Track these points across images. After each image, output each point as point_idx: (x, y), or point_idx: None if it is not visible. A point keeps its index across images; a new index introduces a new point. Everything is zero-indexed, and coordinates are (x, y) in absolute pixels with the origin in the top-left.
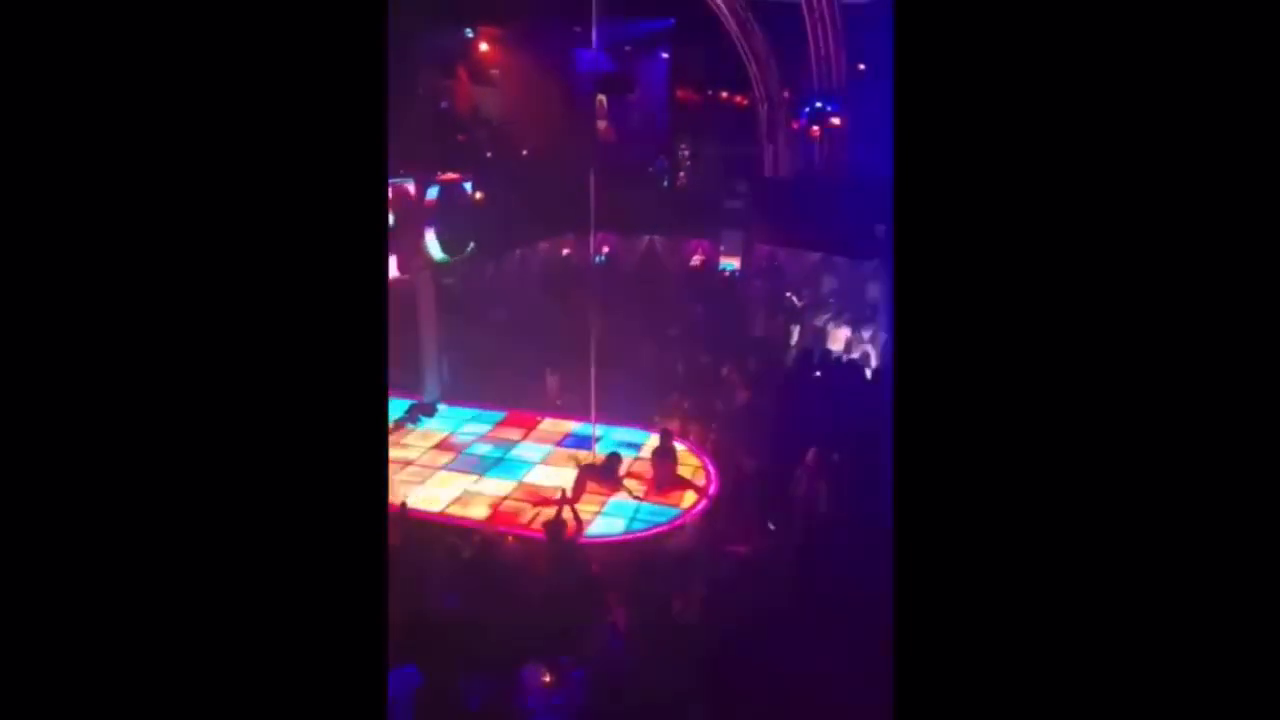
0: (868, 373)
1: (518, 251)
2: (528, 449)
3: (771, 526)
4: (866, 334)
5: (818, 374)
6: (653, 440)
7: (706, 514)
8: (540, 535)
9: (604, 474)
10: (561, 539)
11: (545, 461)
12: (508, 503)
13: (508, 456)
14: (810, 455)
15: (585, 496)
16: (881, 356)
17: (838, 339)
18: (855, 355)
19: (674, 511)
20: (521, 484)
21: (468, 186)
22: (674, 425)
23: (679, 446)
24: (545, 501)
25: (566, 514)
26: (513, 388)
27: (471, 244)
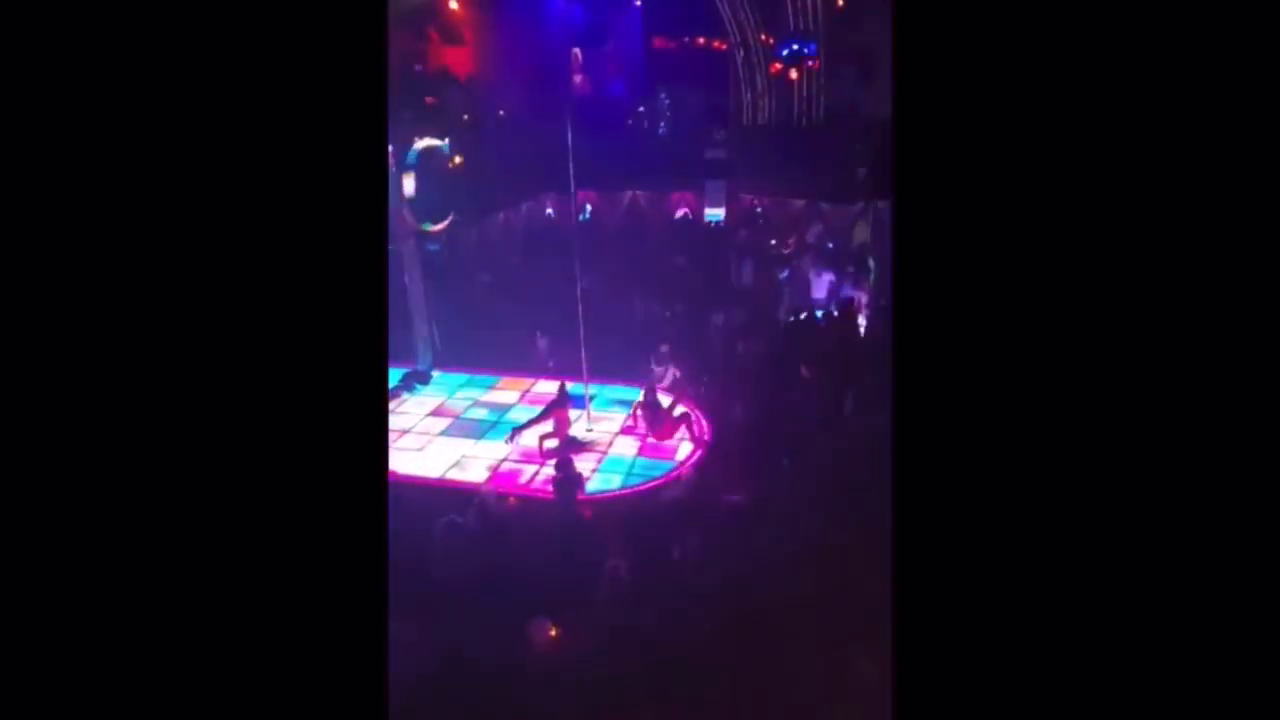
0: (860, 320)
1: (500, 214)
2: (522, 412)
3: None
4: (859, 280)
5: (802, 319)
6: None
7: (700, 465)
8: (543, 494)
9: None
10: (572, 497)
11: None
12: (505, 465)
13: (503, 420)
14: None
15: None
16: (871, 304)
17: (825, 286)
18: (851, 298)
19: (668, 465)
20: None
21: (445, 149)
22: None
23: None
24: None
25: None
26: (504, 351)
27: (452, 209)
